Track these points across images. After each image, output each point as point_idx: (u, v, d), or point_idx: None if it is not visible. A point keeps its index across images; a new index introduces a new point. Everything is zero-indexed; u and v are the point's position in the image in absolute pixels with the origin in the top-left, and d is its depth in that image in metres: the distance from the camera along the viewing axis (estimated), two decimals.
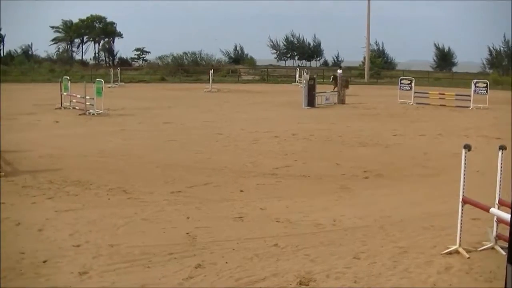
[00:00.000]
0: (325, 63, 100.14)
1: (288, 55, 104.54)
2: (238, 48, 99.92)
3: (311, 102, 32.58)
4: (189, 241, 8.76)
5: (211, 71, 50.36)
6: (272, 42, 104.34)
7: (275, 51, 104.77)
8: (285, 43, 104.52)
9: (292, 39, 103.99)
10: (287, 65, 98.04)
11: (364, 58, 72.73)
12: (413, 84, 36.30)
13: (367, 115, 28.91)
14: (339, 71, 39.98)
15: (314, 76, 36.54)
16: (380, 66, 78.24)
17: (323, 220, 9.94)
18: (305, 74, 37.01)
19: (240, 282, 7.13)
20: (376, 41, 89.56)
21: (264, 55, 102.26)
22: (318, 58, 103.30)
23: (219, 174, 13.91)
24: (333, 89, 38.77)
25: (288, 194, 11.88)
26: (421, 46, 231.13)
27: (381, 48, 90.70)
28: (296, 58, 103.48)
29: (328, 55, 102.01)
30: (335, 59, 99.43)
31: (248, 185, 12.65)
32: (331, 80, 42.33)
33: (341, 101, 35.23)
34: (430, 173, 14.52)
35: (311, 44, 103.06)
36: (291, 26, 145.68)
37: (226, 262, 7.75)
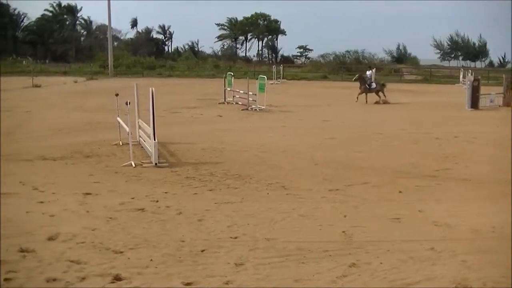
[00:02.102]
0: (491, 64, 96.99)
1: (452, 55, 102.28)
2: (401, 47, 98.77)
3: (474, 104, 31.59)
4: (344, 239, 8.71)
5: (374, 70, 49.97)
6: (436, 41, 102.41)
7: (438, 51, 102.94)
8: (449, 43, 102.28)
9: (456, 38, 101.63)
10: (450, 65, 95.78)
11: None
12: None
13: None
14: (368, 72, 37.59)
15: (479, 77, 35.36)
16: None
17: (482, 226, 9.58)
18: (469, 75, 35.88)
19: (394, 283, 7.03)
20: None
21: (427, 55, 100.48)
22: (483, 59, 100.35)
23: (377, 173, 13.75)
24: (359, 93, 35.62)
25: (448, 198, 11.55)
26: None
27: None
28: (460, 58, 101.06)
29: (494, 56, 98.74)
30: (501, 60, 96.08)
31: (407, 186, 12.41)
32: (354, 79, 38.25)
33: (507, 103, 33.81)
34: None
35: (476, 44, 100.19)
36: (456, 26, 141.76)
37: (381, 263, 7.66)
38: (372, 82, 35.94)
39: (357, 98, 35.01)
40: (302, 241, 8.50)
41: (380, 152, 16.81)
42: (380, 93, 35.11)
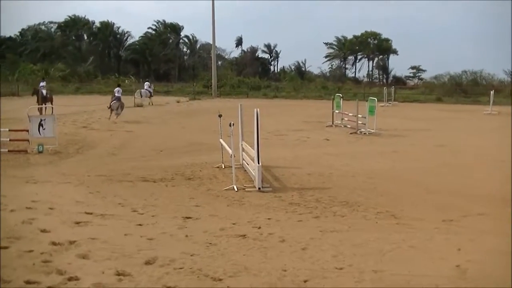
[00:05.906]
0: None
1: None
2: None
3: None
4: (458, 274, 8.14)
5: (492, 92, 48.26)
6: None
7: None
8: None
9: None
10: None
11: None
12: None
13: None
14: (42, 83, 36.57)
15: None
16: None
17: None
18: None
19: None
20: None
21: None
22: None
23: (496, 204, 12.97)
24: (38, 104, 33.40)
25: None
26: None
27: None
28: None
29: None
30: None
31: None
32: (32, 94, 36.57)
33: None
34: None
35: None
36: None
37: None
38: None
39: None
40: (411, 275, 8.01)
41: (499, 182, 15.91)
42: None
